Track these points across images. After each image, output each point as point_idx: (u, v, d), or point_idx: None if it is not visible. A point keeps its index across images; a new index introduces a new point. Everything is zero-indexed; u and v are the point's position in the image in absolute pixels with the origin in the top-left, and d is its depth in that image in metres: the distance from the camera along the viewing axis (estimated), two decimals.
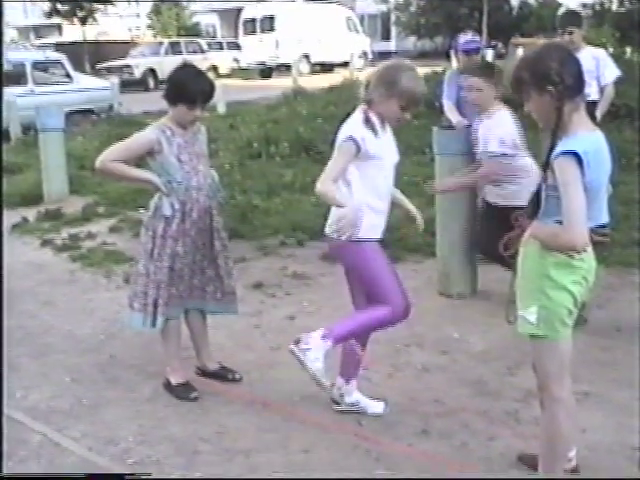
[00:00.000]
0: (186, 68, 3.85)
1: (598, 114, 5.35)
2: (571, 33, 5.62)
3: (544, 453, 2.81)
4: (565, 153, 2.46)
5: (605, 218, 2.70)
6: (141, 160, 3.82)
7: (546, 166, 2.55)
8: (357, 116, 3.34)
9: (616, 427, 3.42)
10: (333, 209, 3.36)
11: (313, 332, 3.33)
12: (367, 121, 3.29)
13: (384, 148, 3.35)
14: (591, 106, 5.08)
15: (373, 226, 3.35)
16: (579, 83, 2.59)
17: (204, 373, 4.12)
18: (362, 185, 3.31)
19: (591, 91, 5.41)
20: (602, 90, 5.69)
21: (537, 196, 2.62)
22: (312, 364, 3.27)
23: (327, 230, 3.42)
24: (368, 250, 3.34)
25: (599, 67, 5.65)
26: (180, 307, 3.90)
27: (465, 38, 6.23)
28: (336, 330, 3.35)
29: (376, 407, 3.66)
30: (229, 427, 3.59)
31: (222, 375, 4.09)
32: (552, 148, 2.53)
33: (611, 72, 5.80)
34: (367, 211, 3.29)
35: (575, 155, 2.44)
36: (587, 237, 2.46)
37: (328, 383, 3.37)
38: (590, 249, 2.67)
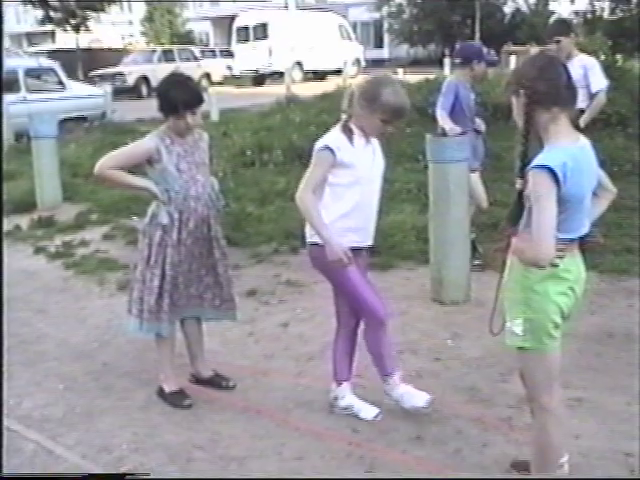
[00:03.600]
0: (169, 78, 3.85)
1: (582, 121, 5.31)
2: (558, 42, 5.63)
3: (535, 461, 2.84)
4: (539, 167, 2.45)
5: (584, 230, 2.65)
6: (137, 168, 3.81)
7: (522, 174, 2.57)
8: (336, 127, 3.42)
9: (609, 433, 3.43)
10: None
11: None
12: (344, 130, 3.36)
13: (360, 158, 3.37)
14: (578, 114, 5.07)
15: (345, 232, 3.36)
16: (556, 93, 2.55)
17: (198, 380, 4.12)
18: (331, 193, 3.36)
19: (578, 99, 5.40)
20: (592, 98, 5.65)
21: (519, 202, 2.63)
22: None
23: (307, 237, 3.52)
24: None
25: (587, 75, 5.62)
26: (176, 315, 3.90)
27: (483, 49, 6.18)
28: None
29: (369, 411, 3.66)
30: (223, 434, 3.59)
31: (216, 382, 4.09)
32: (525, 156, 2.60)
33: (600, 81, 5.76)
34: (336, 219, 3.34)
35: (549, 170, 2.43)
36: (552, 253, 2.43)
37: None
38: (578, 260, 2.68)
